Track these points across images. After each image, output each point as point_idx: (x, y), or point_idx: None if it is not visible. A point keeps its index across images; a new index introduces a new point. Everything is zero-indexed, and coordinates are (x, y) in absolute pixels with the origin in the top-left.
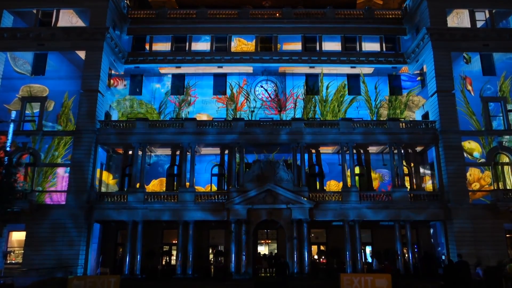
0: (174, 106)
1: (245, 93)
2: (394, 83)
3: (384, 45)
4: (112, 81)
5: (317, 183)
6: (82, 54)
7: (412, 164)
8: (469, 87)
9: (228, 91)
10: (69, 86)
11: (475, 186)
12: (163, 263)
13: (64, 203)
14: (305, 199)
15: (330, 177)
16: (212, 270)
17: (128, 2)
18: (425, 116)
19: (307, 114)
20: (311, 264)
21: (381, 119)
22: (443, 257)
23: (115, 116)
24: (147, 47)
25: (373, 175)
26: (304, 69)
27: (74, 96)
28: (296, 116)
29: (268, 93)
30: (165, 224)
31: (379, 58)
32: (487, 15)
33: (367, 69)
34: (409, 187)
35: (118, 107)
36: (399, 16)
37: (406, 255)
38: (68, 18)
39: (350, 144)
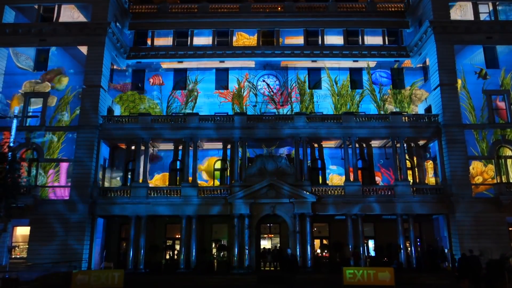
0: (177, 100)
1: (247, 88)
2: (397, 76)
3: (386, 38)
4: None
5: (320, 177)
6: (84, 49)
7: (414, 158)
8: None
9: (230, 86)
10: (71, 81)
11: (478, 179)
12: (167, 257)
13: (67, 198)
14: (308, 193)
15: (332, 171)
16: (215, 264)
17: None
18: (428, 109)
19: (309, 108)
20: (313, 258)
21: (384, 113)
22: (446, 251)
23: (117, 111)
24: (149, 42)
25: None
26: (306, 63)
27: (75, 91)
28: (298, 110)
29: (270, 87)
30: (168, 218)
31: (382, 52)
32: (491, 8)
33: (369, 63)
34: (411, 180)
35: (121, 102)
36: (401, 9)
37: (409, 249)
38: (69, 13)
39: (353, 138)
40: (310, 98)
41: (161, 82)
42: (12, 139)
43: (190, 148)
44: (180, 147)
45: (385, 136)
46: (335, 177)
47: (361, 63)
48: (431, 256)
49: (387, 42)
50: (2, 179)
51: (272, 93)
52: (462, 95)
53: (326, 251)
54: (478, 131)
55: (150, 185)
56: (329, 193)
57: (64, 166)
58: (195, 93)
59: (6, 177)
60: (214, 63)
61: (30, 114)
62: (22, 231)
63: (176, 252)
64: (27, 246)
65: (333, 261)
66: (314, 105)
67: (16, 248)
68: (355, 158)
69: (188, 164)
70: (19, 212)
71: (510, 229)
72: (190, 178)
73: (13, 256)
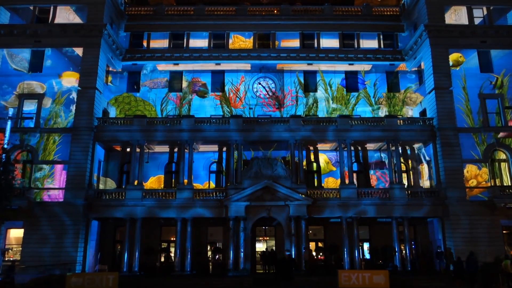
0: (172, 103)
1: (243, 90)
2: (392, 80)
3: (382, 42)
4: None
5: (315, 180)
6: (79, 51)
7: (409, 161)
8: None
9: (226, 88)
10: (66, 83)
11: (472, 182)
12: (162, 260)
13: (62, 200)
14: (303, 196)
15: (328, 174)
16: (211, 266)
17: None
18: (423, 113)
19: (305, 111)
20: (309, 260)
21: (380, 116)
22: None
23: (113, 113)
24: (145, 44)
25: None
26: (302, 66)
27: (68, 93)
28: (294, 113)
29: (266, 90)
30: (164, 221)
31: (377, 55)
32: (485, 12)
33: (365, 66)
34: (406, 183)
35: (116, 104)
36: (397, 13)
37: (404, 251)
38: (65, 15)
39: (348, 141)
40: (305, 101)
41: (157, 85)
42: (6, 141)
43: (186, 150)
44: (176, 149)
45: (381, 139)
46: (330, 180)
47: (357, 67)
48: (426, 259)
49: (382, 46)
50: None
51: (268, 95)
52: (462, 98)
53: (321, 253)
54: (477, 135)
55: (145, 188)
56: (325, 196)
57: (59, 168)
58: (191, 96)
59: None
60: (210, 66)
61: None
62: (15, 234)
63: (171, 254)
64: (21, 249)
65: (328, 263)
66: (310, 108)
67: (10, 250)
68: (350, 161)
69: (184, 166)
70: (13, 214)
71: (504, 232)
72: (186, 181)
73: (6, 259)
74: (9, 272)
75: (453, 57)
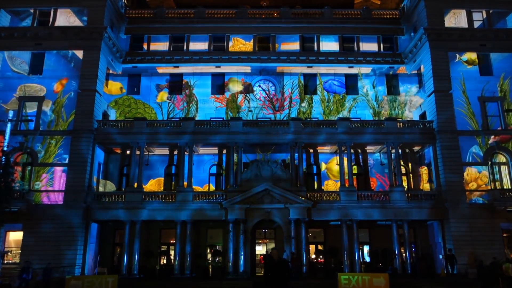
0: (173, 105)
1: (243, 93)
2: (392, 83)
3: (381, 45)
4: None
5: (315, 182)
6: (79, 53)
7: (409, 164)
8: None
9: (227, 92)
10: (66, 85)
11: (472, 185)
12: (161, 262)
13: (61, 203)
14: (303, 198)
15: (327, 177)
16: (210, 269)
17: (126, 2)
18: (423, 116)
19: (305, 114)
20: (309, 263)
21: (379, 118)
22: (440, 257)
23: (113, 115)
24: (145, 46)
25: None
26: (302, 69)
27: (68, 94)
28: (294, 116)
29: (266, 92)
30: (163, 223)
31: (377, 58)
32: (484, 15)
33: (364, 69)
34: (406, 186)
35: (116, 106)
36: (396, 16)
37: (404, 254)
38: (65, 18)
39: (348, 143)
40: (306, 104)
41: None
42: (6, 143)
43: (186, 153)
44: (176, 152)
45: (380, 142)
46: (330, 183)
47: (357, 69)
48: (426, 262)
49: (382, 49)
50: None
51: (268, 98)
52: (462, 101)
53: (321, 256)
54: (481, 137)
55: (145, 190)
56: (325, 198)
57: (58, 170)
58: (191, 98)
59: None
60: (210, 68)
61: (24, 118)
62: (15, 236)
63: (171, 257)
64: (20, 251)
65: (328, 266)
66: (310, 110)
67: (9, 253)
68: (350, 163)
69: (184, 169)
70: (12, 216)
71: (504, 235)
72: (185, 183)
73: (5, 262)
74: (47, 273)
75: (468, 55)
